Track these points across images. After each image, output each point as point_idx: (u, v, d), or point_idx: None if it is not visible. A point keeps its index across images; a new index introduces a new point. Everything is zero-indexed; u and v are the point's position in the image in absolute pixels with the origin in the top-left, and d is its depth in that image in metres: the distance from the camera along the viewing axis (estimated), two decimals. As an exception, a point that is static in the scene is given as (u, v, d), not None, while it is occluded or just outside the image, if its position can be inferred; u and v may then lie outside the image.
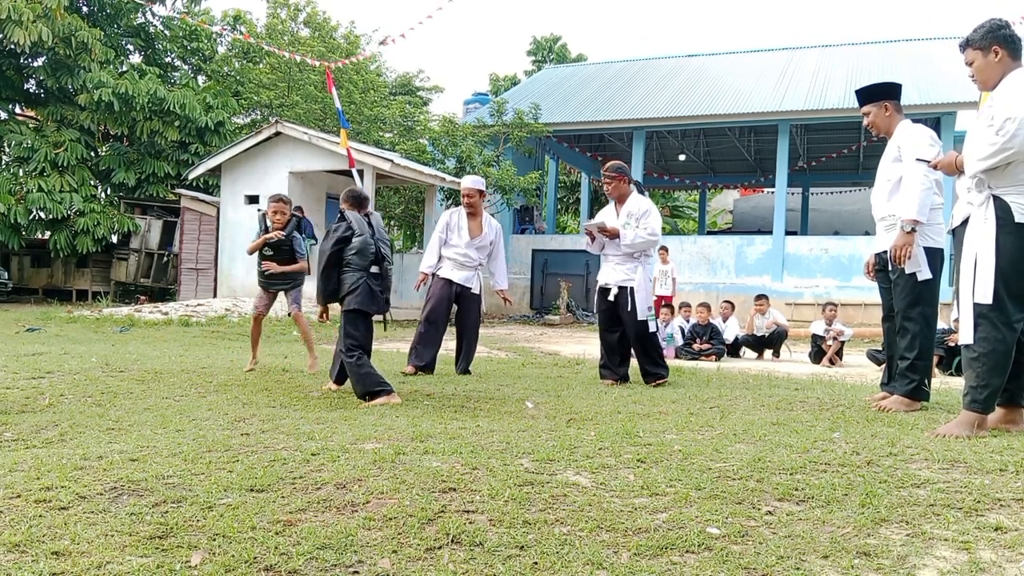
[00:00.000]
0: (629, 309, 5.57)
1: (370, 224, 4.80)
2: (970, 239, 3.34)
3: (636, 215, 5.63)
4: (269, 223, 6.01)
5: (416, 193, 19.40)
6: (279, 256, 6.02)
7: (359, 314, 4.67)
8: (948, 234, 3.77)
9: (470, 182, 6.37)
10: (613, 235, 5.63)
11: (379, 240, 4.79)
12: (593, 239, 5.75)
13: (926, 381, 4.20)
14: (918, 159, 4.01)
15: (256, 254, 6.08)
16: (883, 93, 4.38)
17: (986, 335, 3.25)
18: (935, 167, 3.80)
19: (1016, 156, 3.16)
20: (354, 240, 4.68)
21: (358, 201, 4.92)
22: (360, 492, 2.36)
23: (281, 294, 6.33)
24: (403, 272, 16.70)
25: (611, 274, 5.72)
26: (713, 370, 7.34)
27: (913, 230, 3.97)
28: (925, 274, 4.08)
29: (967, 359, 3.34)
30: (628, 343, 5.74)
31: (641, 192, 5.83)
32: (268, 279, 6.12)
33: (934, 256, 4.13)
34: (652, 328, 5.65)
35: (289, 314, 6.52)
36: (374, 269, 4.71)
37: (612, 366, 5.78)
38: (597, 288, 5.90)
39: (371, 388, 4.46)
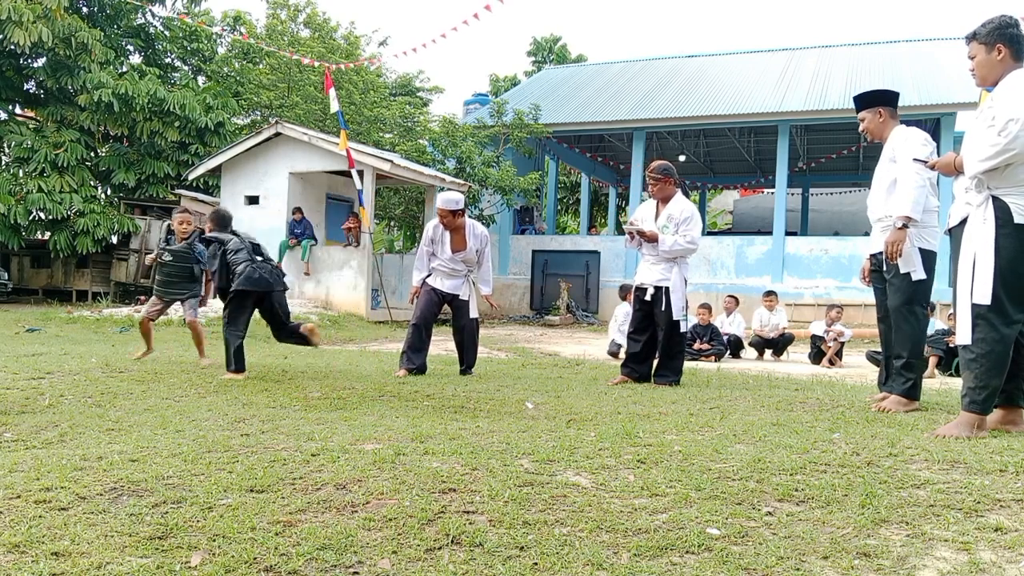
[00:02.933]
0: (663, 308, 5.60)
1: (236, 234, 5.85)
2: (969, 239, 3.34)
3: (677, 220, 5.60)
4: (172, 235, 6.77)
5: (416, 194, 19.40)
6: (179, 266, 6.68)
7: (243, 294, 5.64)
8: (945, 234, 3.79)
9: (442, 202, 6.06)
10: (652, 239, 5.62)
11: (249, 240, 5.84)
12: (632, 238, 5.76)
13: (920, 380, 4.22)
14: (915, 159, 4.03)
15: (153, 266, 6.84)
16: (878, 99, 4.44)
17: (984, 336, 3.24)
18: (933, 167, 3.80)
19: (1017, 157, 3.15)
20: (229, 244, 5.68)
21: (222, 220, 5.95)
22: (360, 493, 2.36)
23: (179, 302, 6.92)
24: (403, 273, 16.70)
25: (648, 274, 5.72)
26: (713, 370, 7.34)
27: (905, 226, 4.00)
28: (919, 274, 4.12)
29: (965, 360, 3.34)
30: (654, 345, 5.77)
31: (686, 193, 5.83)
32: (164, 288, 6.71)
33: (928, 258, 4.17)
34: (683, 328, 5.67)
35: (184, 320, 7.01)
36: (259, 257, 5.72)
37: (632, 364, 5.82)
38: (634, 288, 5.93)
39: (234, 364, 5.60)
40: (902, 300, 4.16)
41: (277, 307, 5.80)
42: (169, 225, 6.77)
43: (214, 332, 10.85)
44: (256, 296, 5.67)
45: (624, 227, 5.88)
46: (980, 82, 3.47)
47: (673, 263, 5.67)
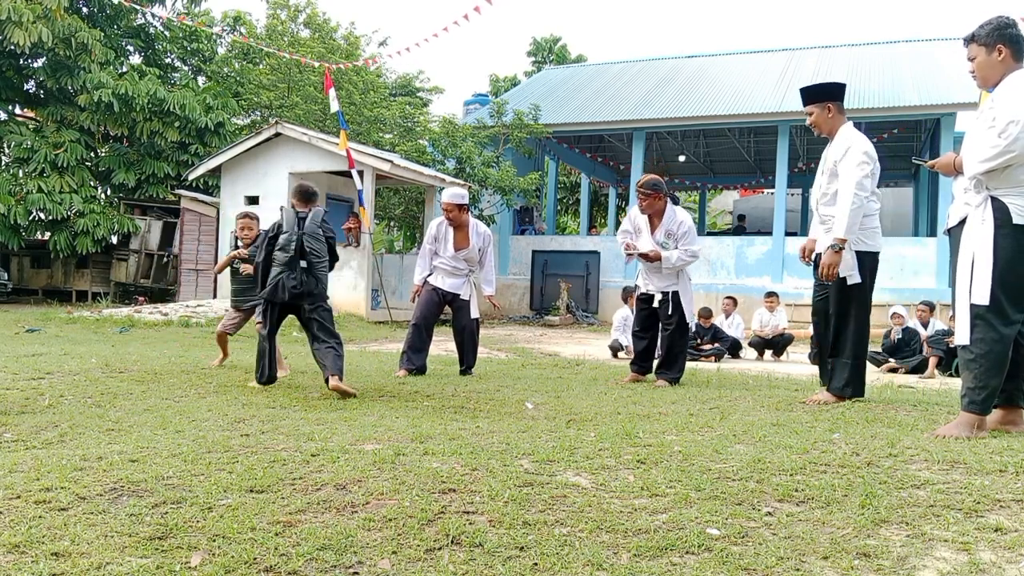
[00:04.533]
0: (671, 312, 5.63)
1: (302, 220, 5.07)
2: (967, 240, 3.34)
3: (675, 235, 5.61)
4: (239, 241, 6.09)
5: (416, 194, 19.40)
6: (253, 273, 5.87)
7: (267, 303, 5.08)
8: (944, 234, 3.82)
9: (448, 196, 6.12)
10: (655, 259, 5.62)
11: (305, 235, 5.00)
12: (631, 256, 5.77)
13: (861, 379, 4.40)
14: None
15: (225, 273, 6.00)
16: (826, 94, 4.48)
17: (983, 336, 3.25)
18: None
19: (1018, 159, 3.16)
20: (280, 238, 5.04)
21: (305, 196, 5.18)
22: (360, 493, 2.36)
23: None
24: (403, 273, 16.70)
25: (654, 281, 5.74)
26: (713, 370, 7.34)
27: (841, 249, 4.15)
28: (855, 278, 4.24)
29: (964, 360, 3.34)
30: (656, 341, 5.81)
31: (676, 201, 5.84)
32: (240, 297, 6.11)
33: (870, 259, 4.31)
34: (691, 330, 5.69)
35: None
36: (303, 263, 4.97)
37: (641, 362, 5.87)
38: (636, 293, 5.95)
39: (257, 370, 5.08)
40: (839, 304, 4.32)
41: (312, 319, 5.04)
42: (234, 233, 6.18)
43: (213, 332, 10.86)
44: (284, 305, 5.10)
45: (622, 250, 5.88)
46: (982, 84, 3.46)
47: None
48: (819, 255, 4.50)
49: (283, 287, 4.90)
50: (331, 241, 5.19)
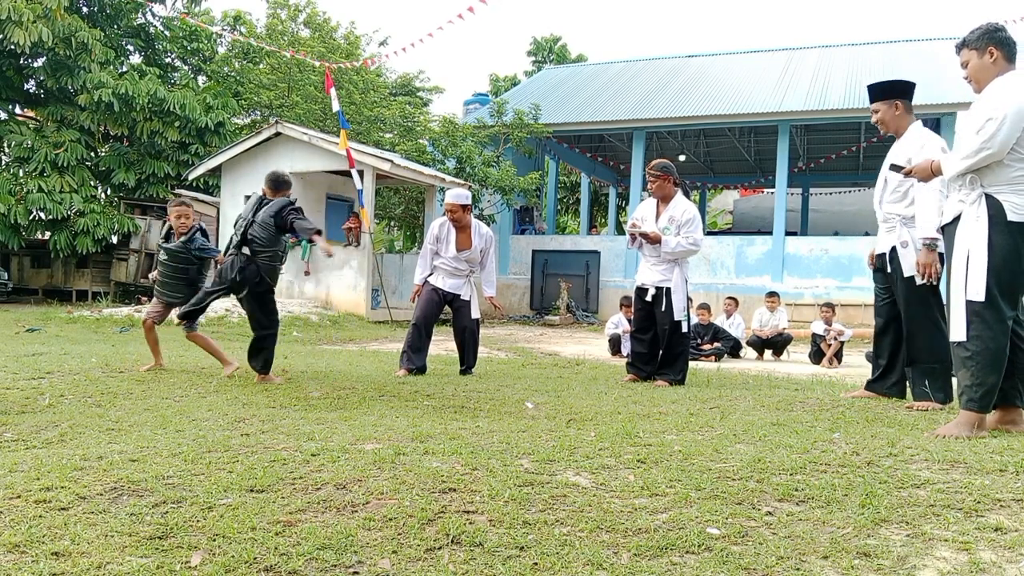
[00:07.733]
0: (664, 309, 5.62)
1: (260, 207, 5.23)
2: (962, 236, 3.35)
3: (679, 221, 5.62)
4: (171, 231, 5.78)
5: (416, 193, 19.41)
6: (173, 266, 5.70)
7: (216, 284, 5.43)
8: (938, 231, 3.82)
9: (452, 197, 6.15)
10: (654, 241, 5.64)
11: (255, 223, 5.19)
12: (634, 239, 5.78)
13: (949, 383, 4.22)
14: (892, 165, 4.05)
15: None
16: (894, 91, 4.38)
17: (979, 333, 3.25)
18: (908, 174, 3.81)
19: (996, 156, 3.20)
20: (236, 222, 5.34)
21: (274, 185, 5.32)
22: (360, 492, 2.36)
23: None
24: (403, 273, 16.70)
25: (648, 274, 5.75)
26: (713, 370, 7.34)
27: (935, 247, 4.01)
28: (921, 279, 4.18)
29: (960, 358, 3.34)
30: (659, 344, 5.79)
31: (686, 193, 5.84)
32: (161, 289, 5.78)
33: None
34: (684, 329, 5.68)
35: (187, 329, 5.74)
36: (245, 250, 5.20)
37: (639, 363, 5.86)
38: (635, 288, 5.96)
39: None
40: (910, 307, 4.17)
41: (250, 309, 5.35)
42: (166, 221, 5.76)
43: (213, 332, 10.87)
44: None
45: (626, 229, 5.90)
46: (976, 87, 3.48)
47: (674, 263, 5.68)
48: (881, 255, 4.42)
49: (229, 269, 5.19)
50: (284, 223, 5.13)
